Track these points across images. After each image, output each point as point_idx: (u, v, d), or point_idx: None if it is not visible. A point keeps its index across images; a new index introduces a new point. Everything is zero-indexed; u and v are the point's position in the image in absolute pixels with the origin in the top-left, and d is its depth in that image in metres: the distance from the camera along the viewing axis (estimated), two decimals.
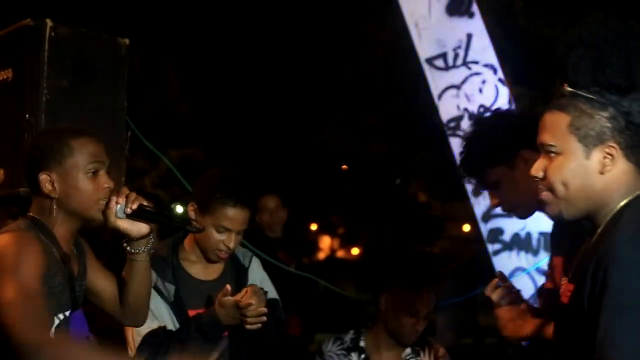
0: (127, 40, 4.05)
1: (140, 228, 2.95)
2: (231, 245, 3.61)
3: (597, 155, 2.21)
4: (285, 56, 14.93)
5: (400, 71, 12.23)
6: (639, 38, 2.22)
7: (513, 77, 9.20)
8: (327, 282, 6.40)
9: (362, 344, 4.49)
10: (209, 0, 14.10)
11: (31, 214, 2.89)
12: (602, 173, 2.21)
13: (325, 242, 20.86)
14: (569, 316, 2.26)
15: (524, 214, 3.29)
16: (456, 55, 5.93)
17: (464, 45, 5.93)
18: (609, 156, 2.21)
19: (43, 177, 2.82)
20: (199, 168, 3.87)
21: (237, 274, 3.79)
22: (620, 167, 2.21)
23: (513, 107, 5.70)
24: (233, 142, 15.12)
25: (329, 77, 14.72)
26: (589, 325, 2.10)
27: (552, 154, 2.27)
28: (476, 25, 5.96)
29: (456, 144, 5.88)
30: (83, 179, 2.83)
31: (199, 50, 14.40)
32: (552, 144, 2.26)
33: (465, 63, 5.91)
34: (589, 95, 2.21)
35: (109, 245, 5.60)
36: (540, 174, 2.30)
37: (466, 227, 15.37)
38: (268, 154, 15.95)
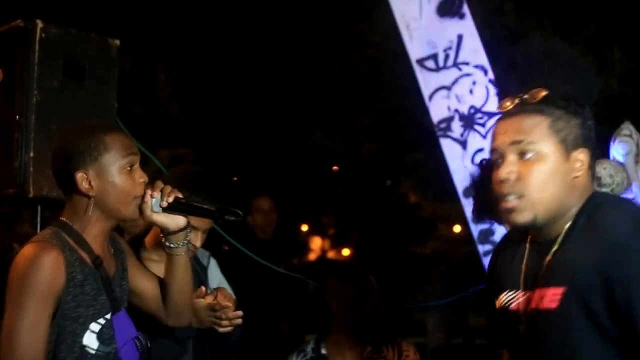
0: (117, 41, 4.05)
1: (177, 221, 2.90)
2: (197, 244, 3.58)
3: (573, 158, 2.27)
4: (276, 56, 14.93)
5: (391, 72, 12.24)
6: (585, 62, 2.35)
7: None
8: (317, 283, 6.40)
9: (323, 351, 4.51)
10: (199, 1, 14.08)
11: (63, 219, 2.83)
12: (576, 176, 2.28)
13: (316, 243, 20.85)
14: (562, 319, 2.25)
15: None
16: (447, 57, 5.94)
17: (454, 47, 5.94)
18: (584, 159, 2.28)
19: (80, 175, 2.75)
20: None
21: (197, 274, 3.77)
22: (586, 173, 2.30)
23: None
24: (224, 143, 15.10)
25: (320, 78, 14.72)
26: (604, 323, 2.14)
27: (529, 154, 2.27)
28: (467, 27, 5.97)
29: (447, 145, 5.89)
30: (120, 174, 2.77)
31: (189, 50, 14.39)
32: (533, 141, 2.26)
33: (455, 64, 5.91)
34: (561, 104, 2.27)
35: None
36: (513, 177, 2.28)
37: (457, 228, 15.41)
38: (258, 155, 15.94)
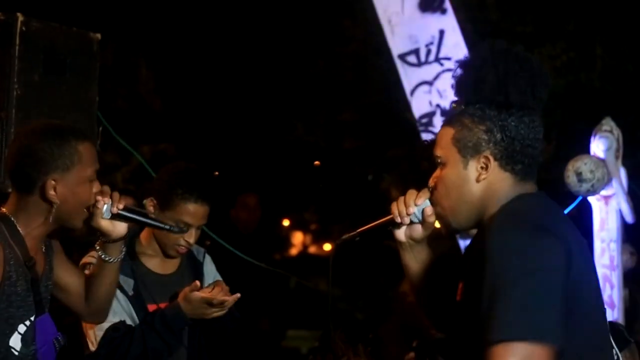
0: (98, 35, 4.04)
1: (119, 230, 2.92)
2: (191, 240, 3.62)
3: (473, 165, 2.37)
4: (258, 51, 14.91)
5: (373, 67, 12.26)
6: (516, 61, 2.38)
7: None
8: (299, 278, 6.40)
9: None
10: None
11: (4, 211, 2.81)
12: (478, 181, 2.36)
13: (298, 237, 20.84)
14: (461, 312, 2.36)
15: None
16: (428, 52, 5.95)
17: (436, 42, 5.95)
18: (484, 165, 2.36)
19: (50, 182, 2.73)
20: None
21: (193, 269, 3.80)
22: (496, 175, 2.36)
23: None
24: (205, 137, 15.07)
25: (302, 72, 14.71)
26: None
27: (440, 165, 2.43)
28: (448, 22, 5.98)
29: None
30: (84, 185, 2.78)
31: (171, 44, 14.35)
32: (439, 155, 2.43)
33: (437, 59, 5.93)
34: (471, 111, 2.38)
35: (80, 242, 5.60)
36: (432, 185, 2.48)
37: (437, 224, 15.44)
38: (240, 150, 15.92)
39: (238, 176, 12.79)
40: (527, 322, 2.08)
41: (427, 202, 2.57)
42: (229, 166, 14.40)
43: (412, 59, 5.97)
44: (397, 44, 6.04)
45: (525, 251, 2.14)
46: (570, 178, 5.29)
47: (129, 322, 3.53)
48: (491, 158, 2.35)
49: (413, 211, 2.61)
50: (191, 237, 3.61)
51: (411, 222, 2.64)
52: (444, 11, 5.97)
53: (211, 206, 3.67)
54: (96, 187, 2.84)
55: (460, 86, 2.43)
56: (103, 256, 2.99)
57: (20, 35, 3.71)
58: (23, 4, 4.34)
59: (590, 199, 5.53)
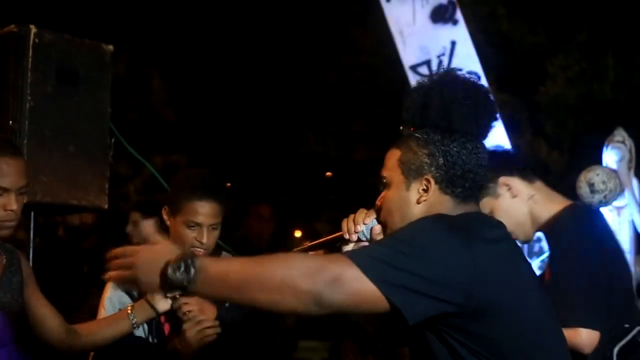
0: (111, 47, 4.05)
1: (163, 306, 3.19)
2: (204, 240, 3.57)
3: (415, 187, 2.43)
4: (270, 62, 14.95)
5: (384, 77, 12.26)
6: (462, 88, 2.47)
7: (497, 84, 9.22)
8: None
9: None
10: (193, 7, 14.10)
11: None
12: (418, 202, 2.43)
13: None
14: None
15: (525, 239, 3.37)
16: (440, 63, 5.95)
17: (447, 53, 5.95)
18: (425, 187, 2.42)
19: None
20: None
21: None
22: (436, 198, 2.42)
23: None
24: (217, 149, 15.11)
25: (313, 84, 14.74)
26: None
27: (386, 186, 2.50)
28: (460, 33, 5.98)
29: None
30: None
31: (183, 56, 14.40)
32: (384, 176, 2.50)
33: None
34: (417, 135, 2.45)
35: (63, 240, 5.61)
36: (380, 203, 2.53)
37: None
38: (252, 161, 15.96)
39: (250, 187, 12.80)
40: (377, 263, 2.16)
41: (375, 222, 2.63)
42: (241, 177, 14.42)
43: (423, 70, 5.97)
44: (408, 55, 6.04)
45: (425, 232, 2.23)
46: (583, 189, 5.27)
47: (139, 334, 3.52)
48: (432, 181, 2.41)
49: (361, 229, 2.66)
50: (203, 237, 3.57)
51: (359, 240, 2.68)
52: (455, 22, 5.97)
53: (223, 205, 3.63)
54: (8, 204, 2.90)
55: (408, 110, 2.49)
56: (133, 319, 3.14)
57: (33, 47, 3.73)
58: (36, 16, 4.36)
59: (603, 210, 5.52)
